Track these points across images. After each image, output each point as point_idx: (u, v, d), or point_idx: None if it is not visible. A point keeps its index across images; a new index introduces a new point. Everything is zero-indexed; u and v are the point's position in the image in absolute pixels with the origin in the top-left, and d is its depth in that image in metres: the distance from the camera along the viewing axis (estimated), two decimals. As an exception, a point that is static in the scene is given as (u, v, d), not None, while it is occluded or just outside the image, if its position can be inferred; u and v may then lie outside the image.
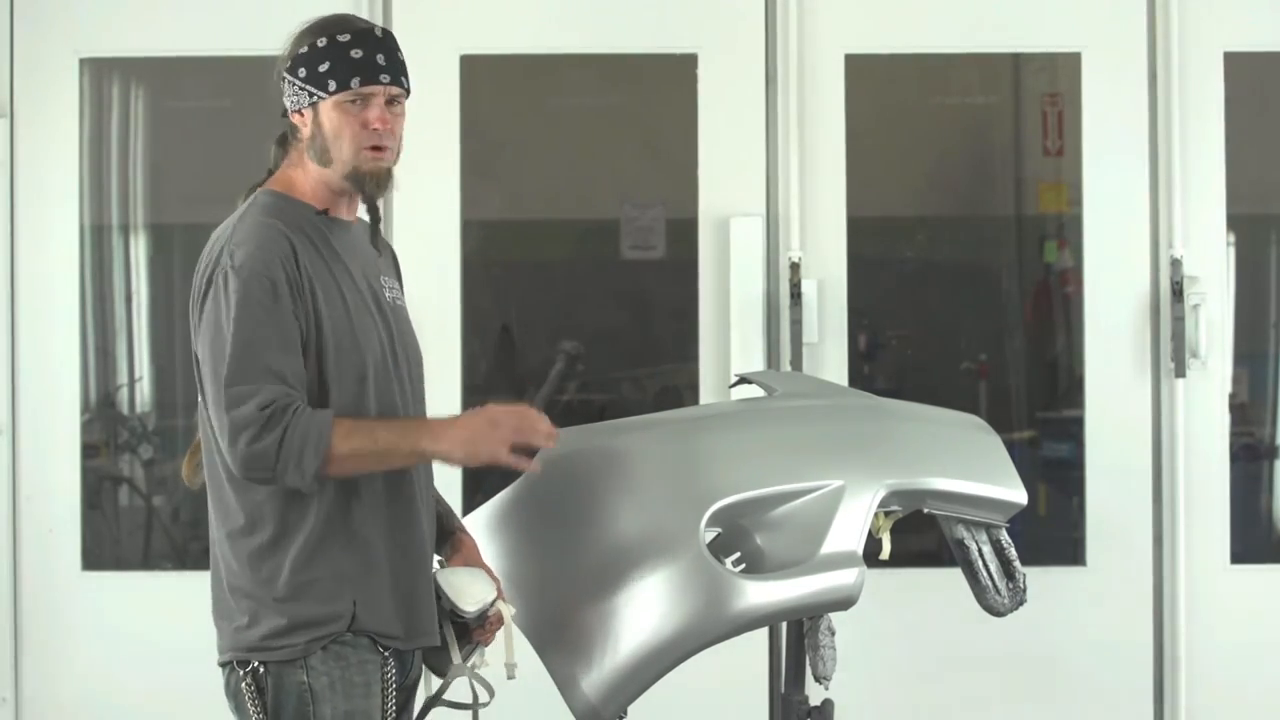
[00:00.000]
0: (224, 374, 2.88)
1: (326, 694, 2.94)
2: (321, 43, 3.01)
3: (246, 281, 2.90)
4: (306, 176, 3.06)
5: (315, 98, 3.01)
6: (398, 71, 3.05)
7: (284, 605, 2.94)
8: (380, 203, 3.11)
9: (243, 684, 2.96)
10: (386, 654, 3.00)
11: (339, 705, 2.94)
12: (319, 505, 2.95)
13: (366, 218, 3.16)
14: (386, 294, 3.12)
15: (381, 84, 3.02)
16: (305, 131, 3.05)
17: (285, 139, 3.12)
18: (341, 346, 2.97)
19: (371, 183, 3.03)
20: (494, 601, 3.09)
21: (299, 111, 3.04)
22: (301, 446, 2.86)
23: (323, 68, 3.00)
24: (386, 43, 3.06)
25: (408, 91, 3.08)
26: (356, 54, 3.01)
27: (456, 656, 3.12)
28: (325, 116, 3.01)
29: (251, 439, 2.86)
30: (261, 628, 2.95)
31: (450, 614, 3.09)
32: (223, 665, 3.02)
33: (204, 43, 5.11)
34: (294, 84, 3.04)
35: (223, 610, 3.01)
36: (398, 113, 3.06)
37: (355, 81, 3.00)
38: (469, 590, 3.08)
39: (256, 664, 2.95)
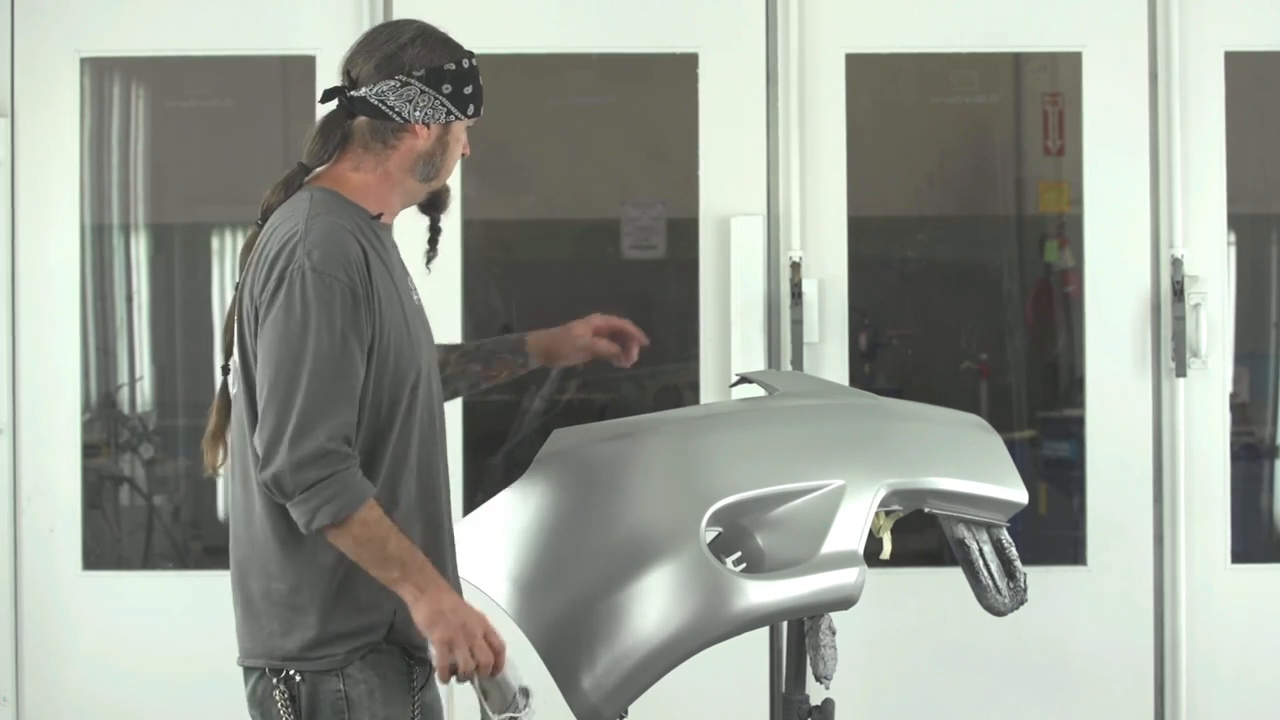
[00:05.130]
0: (297, 388, 2.81)
1: (364, 701, 2.91)
2: (466, 64, 3.04)
3: (330, 287, 2.83)
4: (382, 182, 3.02)
5: (453, 116, 3.02)
6: None
7: (323, 616, 2.89)
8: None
9: (275, 691, 2.91)
10: (412, 662, 2.99)
11: (376, 712, 2.92)
12: None
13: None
14: (415, 296, 3.11)
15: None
16: (422, 144, 3.02)
17: (335, 132, 3.01)
18: (401, 354, 2.94)
19: (450, 199, 3.18)
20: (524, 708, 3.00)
21: (425, 124, 3.01)
22: (328, 501, 2.80)
23: (468, 90, 3.03)
24: None
25: None
26: (482, 83, 3.08)
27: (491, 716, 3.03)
28: (454, 137, 3.05)
29: (297, 466, 2.79)
30: (296, 637, 2.90)
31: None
32: (249, 670, 2.97)
33: (204, 42, 5.11)
34: (431, 95, 3.00)
35: (253, 613, 2.95)
36: None
37: (482, 111, 3.08)
38: (495, 697, 2.98)
39: (292, 672, 2.90)
